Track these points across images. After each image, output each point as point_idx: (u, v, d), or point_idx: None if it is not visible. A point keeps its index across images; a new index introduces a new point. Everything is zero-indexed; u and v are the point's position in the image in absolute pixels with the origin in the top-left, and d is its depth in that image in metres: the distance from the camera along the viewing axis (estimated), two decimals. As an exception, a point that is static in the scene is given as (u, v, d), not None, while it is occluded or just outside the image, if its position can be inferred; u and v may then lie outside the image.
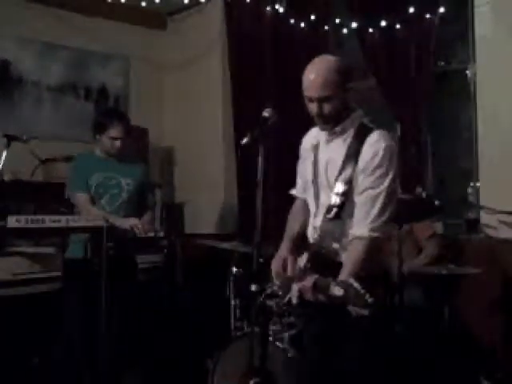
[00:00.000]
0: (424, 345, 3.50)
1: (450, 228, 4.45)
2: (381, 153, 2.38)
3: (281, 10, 5.06)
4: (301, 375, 2.77)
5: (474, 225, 4.27)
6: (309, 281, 2.26)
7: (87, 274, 3.40)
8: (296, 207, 2.79)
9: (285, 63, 5.09)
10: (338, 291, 2.12)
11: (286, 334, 3.18)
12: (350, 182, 2.42)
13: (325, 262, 2.45)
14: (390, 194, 2.40)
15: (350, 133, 2.48)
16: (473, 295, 3.95)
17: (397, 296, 3.34)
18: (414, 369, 3.32)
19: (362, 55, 4.84)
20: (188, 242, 4.92)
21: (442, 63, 4.75)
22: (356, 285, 2.09)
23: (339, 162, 2.47)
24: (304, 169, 2.68)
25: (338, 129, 2.49)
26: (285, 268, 2.58)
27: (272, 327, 3.18)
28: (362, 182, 2.41)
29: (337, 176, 2.46)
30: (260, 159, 2.39)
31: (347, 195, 2.43)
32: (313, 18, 4.95)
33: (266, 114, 2.47)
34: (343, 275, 2.32)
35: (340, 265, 2.40)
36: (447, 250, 4.01)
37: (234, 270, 3.88)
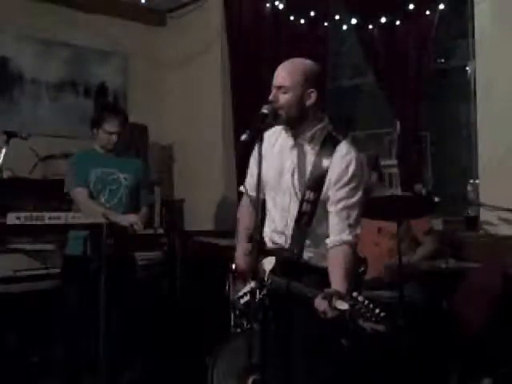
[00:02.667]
0: (423, 341, 3.50)
1: (450, 225, 4.45)
2: (353, 164, 2.47)
3: (280, 6, 5.05)
4: None
5: (474, 222, 4.27)
6: (324, 303, 2.20)
7: (86, 271, 3.40)
8: (245, 205, 2.83)
9: (285, 60, 5.07)
10: (340, 305, 2.10)
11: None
12: (319, 191, 2.47)
13: (296, 268, 2.47)
14: (362, 203, 2.51)
15: (318, 141, 2.53)
16: (472, 292, 3.95)
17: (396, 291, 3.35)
18: (413, 364, 3.32)
19: (361, 52, 4.84)
20: (187, 239, 4.91)
21: (442, 60, 4.74)
22: (361, 298, 2.09)
23: (308, 170, 2.51)
24: (264, 170, 2.56)
25: (308, 135, 2.53)
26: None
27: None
28: (336, 192, 2.47)
29: (306, 183, 2.50)
30: (259, 156, 2.39)
31: (316, 203, 2.48)
32: (312, 14, 4.95)
33: (265, 110, 2.47)
34: (337, 282, 2.33)
35: (314, 269, 2.46)
36: (445, 246, 4.01)
37: (233, 266, 3.87)
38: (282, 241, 2.56)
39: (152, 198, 4.45)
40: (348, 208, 2.46)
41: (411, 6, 4.41)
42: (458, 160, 4.78)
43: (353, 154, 2.49)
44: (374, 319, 2.05)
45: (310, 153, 2.52)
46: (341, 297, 2.14)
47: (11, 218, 3.06)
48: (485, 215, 4.13)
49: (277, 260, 2.52)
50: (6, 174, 4.42)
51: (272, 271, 2.50)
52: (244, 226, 2.76)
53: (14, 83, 5.20)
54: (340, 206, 2.46)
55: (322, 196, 2.48)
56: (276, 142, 2.65)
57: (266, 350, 2.42)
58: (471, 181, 4.44)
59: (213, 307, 4.18)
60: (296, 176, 2.53)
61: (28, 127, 4.58)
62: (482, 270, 3.65)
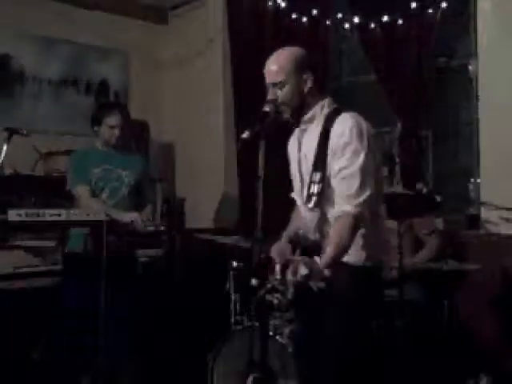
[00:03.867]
0: (423, 340, 3.50)
1: (451, 224, 4.45)
2: (347, 132, 2.38)
3: (282, 4, 5.05)
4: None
5: (475, 221, 4.27)
6: (293, 261, 2.23)
7: (87, 268, 3.40)
8: (295, 210, 2.81)
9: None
10: (303, 270, 2.13)
11: (286, 329, 3.18)
12: (324, 168, 2.42)
13: (310, 253, 2.42)
14: (366, 171, 2.37)
15: (321, 120, 2.50)
16: (473, 291, 3.95)
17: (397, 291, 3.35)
18: (413, 363, 3.32)
19: (363, 50, 4.83)
20: (188, 237, 4.91)
21: (444, 58, 4.74)
22: (318, 260, 2.17)
23: (313, 151, 2.48)
24: (291, 170, 2.69)
25: (307, 117, 2.53)
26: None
27: (272, 322, 3.18)
28: (335, 164, 2.40)
29: (313, 164, 2.46)
30: (260, 154, 2.39)
31: (323, 181, 2.41)
32: (314, 12, 4.94)
33: (266, 108, 2.48)
34: (328, 249, 2.30)
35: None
36: (448, 246, 4.01)
37: (235, 264, 3.88)
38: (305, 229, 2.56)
39: (153, 196, 4.45)
40: (347, 178, 2.36)
41: (413, 5, 4.40)
42: (459, 159, 4.77)
43: (350, 122, 2.39)
44: (318, 278, 2.14)
45: (314, 134, 2.50)
46: (305, 262, 2.16)
47: (12, 215, 3.06)
48: (486, 214, 4.13)
49: (301, 250, 2.51)
50: (7, 171, 4.42)
51: None
52: (288, 228, 2.74)
53: (16, 80, 5.20)
54: (340, 176, 2.38)
55: (327, 172, 2.41)
56: (294, 138, 2.67)
57: (266, 349, 2.42)
58: (472, 180, 4.44)
59: (213, 305, 4.19)
60: (307, 161, 2.52)
61: (29, 124, 4.59)
62: (483, 270, 3.65)
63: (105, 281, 3.24)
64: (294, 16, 5.02)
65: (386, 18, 4.55)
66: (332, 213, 2.41)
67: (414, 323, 3.46)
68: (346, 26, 4.90)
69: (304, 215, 2.61)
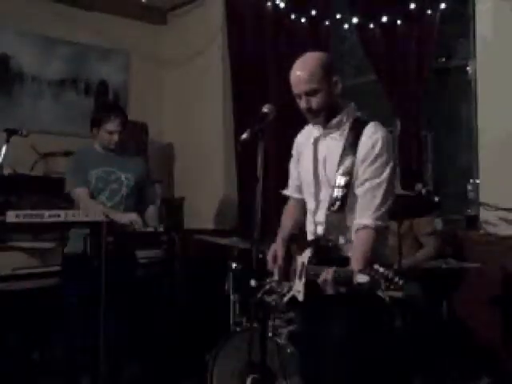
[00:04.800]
0: (423, 340, 3.50)
1: (450, 224, 4.45)
2: (379, 143, 2.44)
3: (281, 5, 5.05)
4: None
5: (474, 221, 4.27)
6: (329, 273, 2.27)
7: (86, 270, 3.40)
8: (289, 207, 2.82)
9: (285, 58, 5.08)
10: (361, 278, 2.12)
11: (285, 330, 3.19)
12: (349, 174, 2.45)
13: (330, 256, 2.45)
14: (390, 182, 2.46)
15: (346, 126, 2.52)
16: (472, 292, 3.95)
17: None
18: (413, 364, 3.32)
19: (362, 51, 4.83)
20: (187, 238, 4.91)
21: (443, 59, 4.74)
22: (382, 269, 2.10)
23: (337, 156, 2.49)
24: (301, 168, 2.69)
25: (333, 123, 2.53)
26: (275, 261, 2.62)
27: (271, 323, 3.18)
28: (362, 172, 2.44)
29: (336, 169, 2.48)
30: (260, 155, 2.39)
31: (348, 187, 2.45)
32: (313, 13, 4.94)
33: (265, 109, 2.48)
34: (359, 261, 2.32)
35: (345, 259, 2.40)
36: (447, 247, 4.01)
37: (234, 265, 3.88)
38: (320, 231, 2.55)
39: (154, 197, 4.45)
40: (373, 188, 2.42)
41: (412, 6, 4.40)
42: (459, 159, 4.77)
43: (379, 134, 2.46)
44: (392, 287, 2.08)
45: (339, 139, 2.52)
46: (361, 270, 2.15)
47: (11, 216, 3.06)
48: (485, 215, 4.12)
49: (313, 250, 2.51)
50: (6, 171, 4.42)
51: (309, 262, 2.47)
52: (283, 225, 2.75)
53: (15, 81, 5.20)
54: (366, 186, 2.43)
55: (353, 179, 2.45)
56: (308, 138, 2.66)
57: (265, 348, 2.42)
58: (471, 180, 4.44)
59: (212, 305, 4.20)
60: (327, 165, 2.53)
61: (28, 125, 4.59)
62: (482, 270, 3.65)
63: (104, 282, 3.23)
64: (293, 16, 5.01)
65: (385, 19, 4.54)
66: (354, 223, 2.45)
67: (414, 323, 3.46)
68: (346, 26, 4.89)
69: (315, 216, 2.60)
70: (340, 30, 4.99)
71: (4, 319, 3.72)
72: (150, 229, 3.72)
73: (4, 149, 3.46)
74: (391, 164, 2.46)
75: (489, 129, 4.14)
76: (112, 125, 3.66)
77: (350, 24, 4.82)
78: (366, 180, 2.43)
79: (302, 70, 2.48)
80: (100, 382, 3.32)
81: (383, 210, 2.42)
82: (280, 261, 2.61)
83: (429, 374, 3.50)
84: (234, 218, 5.42)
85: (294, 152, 2.78)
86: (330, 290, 2.27)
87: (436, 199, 4.21)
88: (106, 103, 5.29)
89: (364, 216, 2.42)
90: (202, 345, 3.54)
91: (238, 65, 5.40)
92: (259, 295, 2.46)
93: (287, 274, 2.57)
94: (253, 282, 2.39)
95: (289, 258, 2.61)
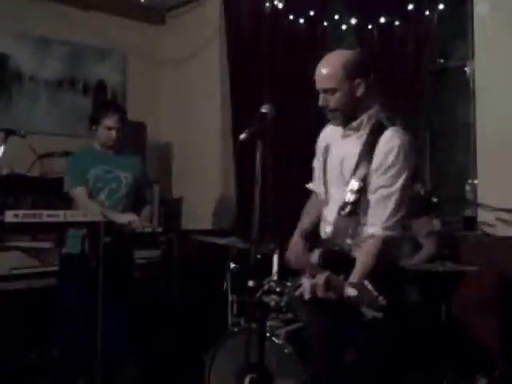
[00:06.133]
0: (421, 341, 3.50)
1: (448, 225, 4.45)
2: (395, 151, 2.40)
3: (279, 5, 5.05)
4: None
5: (472, 222, 4.27)
6: (321, 278, 2.26)
7: (84, 270, 3.40)
8: (311, 202, 2.81)
9: (283, 59, 5.09)
10: (351, 292, 2.12)
11: (283, 330, 3.18)
12: (364, 180, 2.43)
13: (337, 259, 2.45)
14: (404, 192, 2.42)
15: (366, 129, 2.49)
16: (470, 293, 3.95)
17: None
18: (411, 365, 3.32)
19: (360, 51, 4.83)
20: (185, 238, 4.91)
21: (441, 60, 4.74)
22: (370, 287, 2.10)
23: (354, 159, 2.47)
24: (320, 165, 2.69)
25: (354, 124, 2.51)
26: (297, 254, 2.62)
27: (269, 323, 3.18)
28: (375, 180, 2.42)
29: (352, 173, 2.47)
30: (258, 155, 2.39)
31: (361, 192, 2.44)
32: (311, 13, 4.94)
33: (264, 109, 2.47)
34: (356, 273, 2.33)
35: (353, 261, 2.40)
36: (445, 248, 4.01)
37: (232, 265, 3.88)
38: (328, 230, 2.55)
39: (151, 197, 4.45)
40: (385, 198, 2.40)
41: (410, 6, 4.40)
42: (457, 160, 4.77)
43: (397, 141, 2.41)
44: (374, 307, 2.08)
45: (357, 142, 2.49)
46: (351, 284, 2.15)
47: (9, 216, 3.06)
48: (483, 215, 4.13)
49: (321, 251, 2.51)
50: (4, 172, 4.42)
51: (317, 263, 2.48)
52: (301, 222, 2.74)
53: (13, 81, 5.18)
54: (378, 194, 2.41)
55: (366, 185, 2.43)
56: (329, 136, 2.66)
57: (263, 349, 2.42)
58: (469, 181, 4.44)
59: (210, 306, 4.19)
60: (344, 166, 2.51)
61: (26, 125, 4.59)
62: (480, 271, 3.65)
63: (102, 282, 3.23)
64: (291, 17, 5.01)
65: (383, 20, 4.55)
66: (363, 229, 2.44)
67: (411, 325, 3.46)
68: (344, 27, 4.89)
69: (326, 214, 2.60)
70: (338, 31, 4.99)
71: (2, 319, 3.71)
72: (148, 229, 3.72)
73: (2, 149, 3.46)
74: (406, 173, 2.41)
75: (487, 129, 4.15)
76: (110, 121, 3.66)
77: (348, 25, 4.82)
78: (379, 188, 2.41)
79: (325, 68, 2.47)
80: (98, 382, 3.32)
81: (394, 219, 2.40)
82: (301, 256, 2.60)
83: (427, 375, 3.50)
84: (232, 218, 5.42)
85: (316, 149, 2.75)
86: (319, 294, 2.26)
87: (434, 200, 4.21)
88: (106, 100, 5.30)
89: (373, 225, 2.41)
90: (199, 345, 3.54)
91: (236, 65, 5.40)
92: (258, 295, 2.46)
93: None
94: (251, 283, 2.39)
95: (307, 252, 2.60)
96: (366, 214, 2.45)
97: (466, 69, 4.50)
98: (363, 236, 2.43)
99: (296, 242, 2.68)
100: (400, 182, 2.40)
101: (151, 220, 3.97)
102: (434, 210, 4.15)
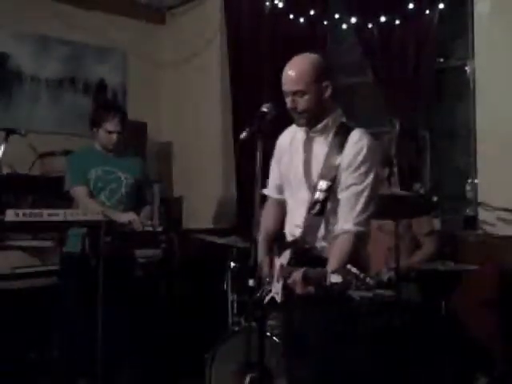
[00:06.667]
0: (420, 341, 3.50)
1: (448, 224, 4.45)
2: (364, 150, 2.47)
3: (280, 5, 5.05)
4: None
5: (472, 221, 4.27)
6: (297, 274, 2.30)
7: (85, 269, 3.40)
8: (268, 207, 2.81)
9: (283, 58, 5.07)
10: (336, 278, 2.14)
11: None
12: (333, 179, 2.47)
13: (309, 258, 2.46)
14: (373, 189, 2.49)
15: (331, 131, 2.54)
16: (470, 292, 3.95)
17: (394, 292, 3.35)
18: (411, 365, 3.32)
19: (360, 51, 4.83)
20: (186, 237, 4.92)
21: (441, 60, 4.74)
22: (354, 269, 2.13)
23: (321, 160, 2.52)
24: (283, 168, 2.70)
25: (319, 127, 2.55)
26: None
27: (269, 322, 3.18)
28: (346, 178, 2.47)
29: (319, 173, 2.50)
30: (258, 154, 2.39)
31: (330, 191, 2.48)
32: (312, 13, 4.94)
33: (264, 108, 2.48)
34: (330, 262, 2.36)
35: (324, 260, 2.42)
36: (445, 247, 4.01)
37: (232, 265, 3.88)
38: (298, 232, 2.56)
39: (151, 197, 4.45)
40: (356, 194, 2.45)
41: (411, 6, 4.40)
42: (457, 159, 4.77)
43: (365, 141, 2.48)
44: (363, 287, 2.11)
45: (323, 143, 2.54)
46: (334, 271, 2.17)
47: (10, 215, 3.06)
48: (483, 215, 4.13)
49: (292, 252, 2.51)
50: (4, 171, 4.42)
51: (288, 263, 2.48)
52: (265, 227, 2.74)
53: (13, 80, 5.19)
54: (349, 192, 2.46)
55: (335, 184, 2.47)
56: (292, 139, 2.68)
57: (264, 348, 2.42)
58: (470, 180, 4.44)
59: (211, 305, 4.20)
60: (309, 168, 2.55)
61: (27, 124, 4.59)
62: (480, 271, 3.65)
63: (102, 281, 3.24)
64: (291, 16, 5.01)
65: (383, 19, 4.55)
66: (334, 227, 2.47)
67: (412, 324, 3.46)
68: (344, 26, 4.89)
69: (294, 217, 2.61)
70: (338, 30, 4.99)
71: (2, 318, 3.71)
72: (149, 228, 3.72)
73: (2, 148, 3.46)
74: (374, 171, 2.49)
75: (487, 129, 4.15)
76: (111, 124, 3.67)
77: (349, 24, 4.82)
78: (350, 186, 2.46)
79: (293, 70, 2.51)
80: (98, 382, 3.32)
81: (365, 215, 2.46)
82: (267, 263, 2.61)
83: (427, 374, 3.51)
84: (232, 218, 5.43)
85: (276, 152, 2.78)
86: (298, 290, 2.30)
87: (434, 199, 4.21)
88: (105, 102, 5.29)
89: (345, 221, 2.45)
90: (200, 344, 3.54)
91: (237, 64, 5.40)
92: (258, 294, 2.46)
93: (271, 276, 2.58)
94: (251, 282, 2.39)
95: (271, 259, 2.62)
96: (333, 212, 2.49)
97: (466, 69, 4.50)
98: (334, 233, 2.46)
99: (264, 248, 2.67)
100: (369, 179, 2.47)
101: (151, 219, 3.97)
102: (435, 209, 4.15)
